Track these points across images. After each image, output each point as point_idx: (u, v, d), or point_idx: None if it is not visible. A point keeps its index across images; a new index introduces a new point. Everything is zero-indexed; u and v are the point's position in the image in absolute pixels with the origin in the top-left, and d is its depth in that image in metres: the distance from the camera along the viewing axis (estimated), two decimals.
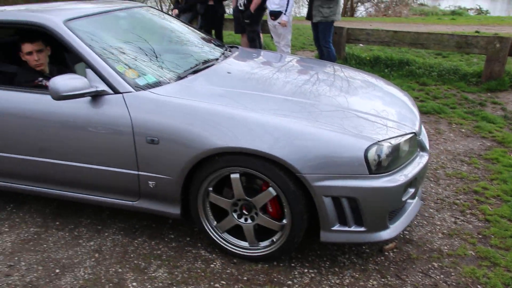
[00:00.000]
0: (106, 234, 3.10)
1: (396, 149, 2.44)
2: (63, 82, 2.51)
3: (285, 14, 6.59)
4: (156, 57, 3.13)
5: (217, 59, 3.39)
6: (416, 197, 2.74)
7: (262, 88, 2.93)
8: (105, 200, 2.95)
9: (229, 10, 11.28)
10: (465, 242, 2.92)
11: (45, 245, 3.01)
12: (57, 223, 3.26)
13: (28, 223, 3.28)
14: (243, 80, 3.09)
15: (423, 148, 2.77)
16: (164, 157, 2.59)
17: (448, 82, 6.44)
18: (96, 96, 2.66)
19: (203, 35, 4.05)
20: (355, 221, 2.45)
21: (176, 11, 9.15)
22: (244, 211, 2.66)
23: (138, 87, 2.68)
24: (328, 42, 6.63)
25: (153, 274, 2.69)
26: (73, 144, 2.80)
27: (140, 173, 2.69)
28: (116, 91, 2.65)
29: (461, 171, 3.87)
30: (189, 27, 4.12)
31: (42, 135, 2.86)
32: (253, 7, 6.85)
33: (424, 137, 2.94)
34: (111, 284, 2.63)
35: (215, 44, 3.88)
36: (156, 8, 4.35)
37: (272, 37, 7.32)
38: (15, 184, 3.17)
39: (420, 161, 2.65)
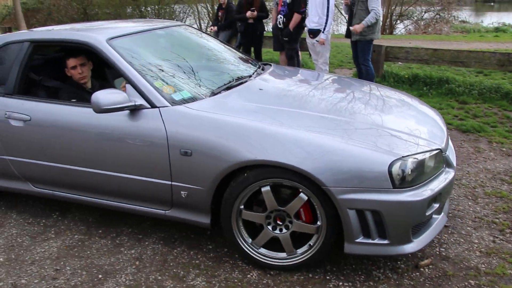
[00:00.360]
0: (147, 243, 3.22)
1: (420, 164, 2.50)
2: (104, 96, 2.69)
3: (323, 32, 6.65)
4: (192, 74, 3.28)
5: (250, 76, 3.49)
6: (442, 213, 2.78)
7: (290, 104, 3.06)
8: (139, 208, 3.09)
9: (267, 28, 11.45)
10: (503, 261, 2.87)
11: (88, 252, 3.15)
12: (100, 231, 3.41)
13: (73, 230, 3.44)
14: (275, 96, 3.21)
15: (449, 164, 2.81)
16: (196, 169, 2.70)
17: (489, 100, 6.32)
18: (134, 110, 2.82)
19: (237, 53, 4.19)
20: (378, 234, 2.50)
21: (215, 28, 9.39)
22: (279, 222, 2.73)
23: (174, 102, 2.83)
24: (366, 60, 6.64)
25: (191, 283, 2.78)
26: (112, 155, 2.95)
27: (173, 183, 2.82)
28: (153, 106, 2.81)
29: (501, 190, 3.80)
30: (225, 45, 4.27)
31: (84, 146, 3.04)
32: (292, 25, 6.96)
33: (452, 154, 2.99)
34: None
35: (249, 62, 4.00)
36: (194, 27, 4.58)
37: (310, 55, 7.40)
38: (60, 193, 3.37)
39: (445, 177, 2.68)
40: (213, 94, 3.04)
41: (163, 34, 3.76)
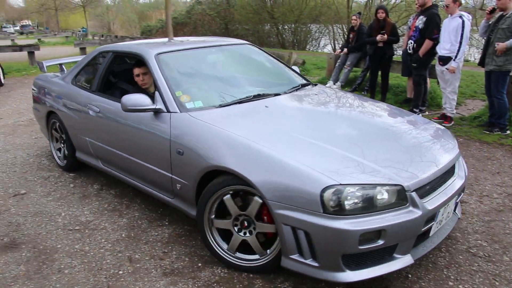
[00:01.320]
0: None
1: (367, 196, 2.46)
2: (129, 99, 3.27)
3: (454, 60, 6.42)
4: (218, 87, 3.77)
5: (276, 94, 3.74)
6: (408, 255, 2.65)
7: (278, 122, 3.19)
8: (155, 193, 3.66)
9: (396, 52, 11.27)
10: None
11: (193, 242, 3.51)
12: None
13: (184, 221, 3.83)
14: (271, 114, 3.35)
15: (415, 205, 2.58)
16: (185, 167, 3.14)
17: None
18: (157, 113, 3.36)
19: (291, 72, 4.47)
20: (311, 255, 2.55)
21: (344, 51, 9.54)
22: (245, 226, 2.94)
23: (183, 110, 3.29)
24: (500, 93, 6.21)
25: (279, 285, 2.94)
26: (138, 145, 3.60)
27: (172, 176, 3.30)
28: (168, 110, 3.32)
29: None
30: (282, 63, 4.61)
31: (123, 135, 3.81)
32: (422, 51, 6.83)
33: (438, 199, 2.75)
34: (241, 285, 2.95)
35: (293, 81, 4.22)
36: (257, 47, 4.79)
37: (438, 83, 7.18)
38: (115, 172, 4.18)
39: (403, 216, 2.52)
40: (220, 106, 3.38)
41: (214, 51, 4.23)
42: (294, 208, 2.51)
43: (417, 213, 2.55)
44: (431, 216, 2.66)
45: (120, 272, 3.12)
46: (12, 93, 10.94)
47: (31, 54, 16.13)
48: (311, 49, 26.35)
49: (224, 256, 3.08)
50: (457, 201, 3.01)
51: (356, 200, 2.45)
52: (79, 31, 44.83)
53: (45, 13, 65.57)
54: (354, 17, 9.53)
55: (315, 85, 4.26)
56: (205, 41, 4.42)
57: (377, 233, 2.45)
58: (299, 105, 3.70)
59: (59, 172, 5.10)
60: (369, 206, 2.47)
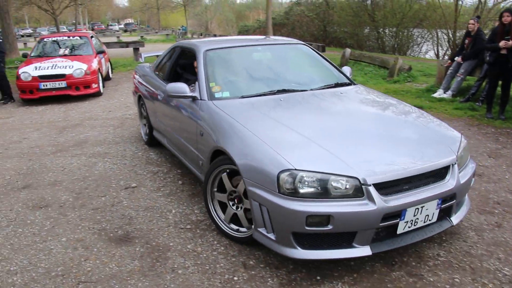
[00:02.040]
0: (366, 259, 3.19)
1: (321, 182, 2.67)
2: (172, 86, 3.84)
3: None
4: (249, 81, 4.16)
5: (303, 90, 4.02)
6: (367, 246, 2.79)
7: (281, 115, 3.43)
8: (193, 170, 4.15)
9: None
10: None
11: None
12: None
13: None
14: (281, 107, 3.61)
15: (371, 199, 2.70)
16: (204, 146, 3.65)
17: None
18: (194, 99, 3.88)
19: (335, 71, 4.60)
20: (272, 229, 2.84)
21: (459, 59, 8.87)
22: (238, 202, 3.30)
23: (212, 98, 3.77)
24: None
25: None
26: (182, 126, 4.22)
27: (198, 153, 3.85)
28: (201, 98, 3.83)
29: None
30: (329, 62, 4.73)
31: (172, 116, 4.58)
32: None
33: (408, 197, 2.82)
34: None
35: (333, 79, 4.41)
36: (309, 46, 4.98)
37: None
38: (172, 149, 4.90)
39: (353, 206, 2.66)
40: (243, 97, 3.79)
41: (260, 49, 4.63)
42: (260, 186, 2.82)
43: (372, 206, 2.67)
44: (394, 213, 2.74)
45: (235, 278, 2.98)
46: (119, 87, 11.46)
47: (136, 50, 16.93)
48: (411, 54, 25.14)
49: (220, 225, 3.46)
50: (441, 207, 2.98)
51: (309, 185, 2.67)
52: (179, 30, 46.63)
53: (148, 12, 69.20)
54: (471, 21, 8.81)
55: (355, 84, 4.44)
56: (260, 40, 4.99)
57: (326, 218, 2.64)
58: (313, 100, 3.86)
59: (167, 168, 5.14)
60: (323, 192, 2.66)
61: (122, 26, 71.68)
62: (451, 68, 9.16)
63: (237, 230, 3.36)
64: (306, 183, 2.68)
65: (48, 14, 30.47)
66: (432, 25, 22.48)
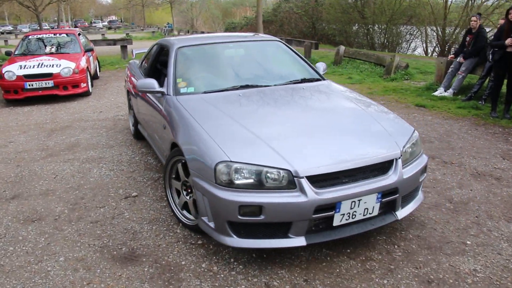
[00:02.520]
0: (400, 276, 2.90)
1: (254, 174, 2.76)
2: (142, 82, 3.99)
3: None
4: (215, 77, 4.26)
5: (266, 86, 4.09)
6: (295, 237, 2.84)
7: (234, 110, 3.54)
8: (163, 161, 4.18)
9: None
10: None
11: (337, 270, 2.98)
12: (348, 250, 3.21)
13: (322, 245, 3.29)
14: (238, 102, 3.73)
15: (303, 191, 2.76)
16: (166, 138, 3.81)
17: None
18: (163, 94, 4.00)
19: (306, 67, 4.62)
20: (212, 218, 2.93)
21: (461, 59, 8.66)
22: (189, 190, 3.40)
23: (176, 94, 3.89)
24: None
25: None
26: (153, 120, 4.41)
27: (162, 145, 4.03)
28: (167, 93, 3.95)
29: None
30: (300, 58, 4.75)
31: (149, 111, 4.63)
32: None
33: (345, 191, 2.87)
34: None
35: (299, 76, 4.43)
36: (284, 43, 5.03)
37: None
38: (150, 142, 5.09)
39: (285, 197, 2.73)
40: (205, 92, 3.90)
41: (231, 46, 4.73)
42: (201, 177, 2.92)
43: (303, 198, 2.72)
44: (327, 206, 2.78)
45: None
46: (108, 86, 11.03)
47: (123, 48, 16.44)
48: (400, 51, 25.01)
49: (175, 210, 3.61)
50: (381, 201, 2.99)
51: (244, 177, 2.76)
52: (165, 27, 46.04)
53: (132, 9, 68.29)
54: (473, 18, 8.60)
55: (324, 80, 4.47)
56: (234, 37, 5.16)
57: (258, 208, 2.70)
58: (271, 95, 3.91)
59: None
60: (258, 184, 2.75)
61: (105, 23, 70.69)
62: (452, 66, 8.94)
63: (188, 218, 3.48)
64: (242, 174, 2.77)
65: (29, 11, 29.66)
66: (421, 22, 22.38)
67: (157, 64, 5.20)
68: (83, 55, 10.11)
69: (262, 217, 2.74)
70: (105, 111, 8.13)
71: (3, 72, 8.88)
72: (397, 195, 3.07)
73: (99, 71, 12.88)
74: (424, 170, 3.37)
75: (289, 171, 2.76)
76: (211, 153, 2.90)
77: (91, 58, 10.96)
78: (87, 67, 9.87)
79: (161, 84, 4.15)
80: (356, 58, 13.44)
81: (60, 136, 6.48)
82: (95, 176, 4.79)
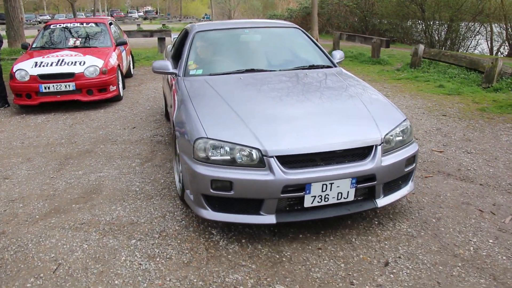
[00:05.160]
0: None
1: (227, 151, 2.89)
2: (156, 64, 4.22)
3: None
4: (225, 61, 4.42)
5: (272, 70, 4.24)
6: (272, 215, 2.91)
7: (229, 92, 3.64)
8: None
9: None
10: None
11: None
12: None
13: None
14: (236, 84, 3.88)
15: (271, 170, 2.83)
16: (170, 116, 4.16)
17: None
18: (176, 76, 4.26)
19: (320, 55, 4.65)
20: (191, 191, 3.10)
21: None
22: None
23: (186, 75, 4.14)
24: None
25: None
26: (171, 99, 4.43)
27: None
28: (178, 75, 4.22)
29: None
30: (317, 46, 4.77)
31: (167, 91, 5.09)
32: None
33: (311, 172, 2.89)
34: None
35: (309, 62, 4.50)
36: (302, 30, 4.97)
37: None
38: None
39: (253, 175, 2.83)
40: (210, 74, 4.12)
41: (249, 32, 4.81)
42: (185, 152, 3.13)
43: (271, 177, 2.81)
44: (296, 186, 2.83)
45: None
46: (143, 88, 9.06)
47: (161, 40, 14.45)
48: (461, 50, 22.39)
49: (176, 183, 3.75)
50: (356, 186, 2.97)
51: (219, 153, 2.90)
52: (203, 18, 44.35)
53: None
54: None
55: (336, 67, 4.49)
56: (254, 23, 5.20)
57: (229, 183, 2.83)
58: (270, 79, 4.04)
59: (261, 271, 2.72)
60: (231, 161, 2.88)
61: (141, 13, 69.54)
62: None
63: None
64: (217, 150, 2.89)
65: (66, 0, 28.27)
66: (486, 17, 19.79)
67: (181, 47, 4.96)
68: (114, 50, 8.15)
69: (232, 192, 2.85)
70: (139, 127, 6.12)
71: (14, 71, 6.99)
72: (375, 182, 3.03)
73: (133, 68, 10.95)
74: (412, 160, 3.28)
75: (260, 150, 2.84)
76: (193, 129, 3.06)
77: (123, 53, 9.00)
78: (118, 65, 7.90)
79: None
80: (439, 60, 11.06)
81: (75, 171, 4.49)
82: (126, 273, 2.74)
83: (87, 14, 49.40)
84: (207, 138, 2.93)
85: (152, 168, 4.53)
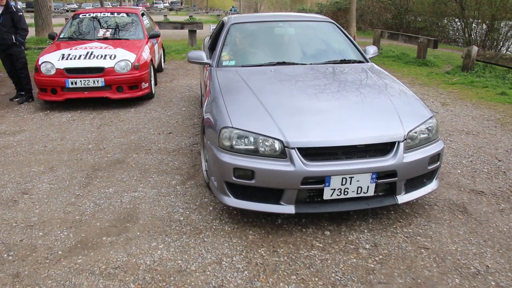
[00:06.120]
0: None
1: (251, 140, 2.95)
2: (193, 53, 4.37)
3: None
4: (258, 53, 4.47)
5: (303, 64, 4.26)
6: (291, 206, 2.95)
7: (258, 84, 3.68)
8: None
9: None
10: None
11: None
12: None
13: None
14: (266, 76, 3.92)
15: (292, 161, 2.86)
16: (202, 104, 4.15)
17: None
18: (210, 66, 4.31)
19: (352, 49, 4.63)
20: (215, 178, 3.15)
21: None
22: None
23: (219, 66, 4.21)
24: None
25: None
26: (206, 84, 4.37)
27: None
28: (211, 65, 4.29)
29: None
30: (350, 40, 4.73)
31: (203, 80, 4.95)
32: None
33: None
34: None
35: (342, 57, 4.49)
36: (336, 24, 4.95)
37: None
38: None
39: (274, 165, 2.87)
40: (242, 66, 4.17)
41: (283, 25, 4.83)
42: (211, 140, 3.20)
43: (291, 168, 2.85)
44: (316, 178, 2.86)
45: None
46: (175, 85, 8.34)
47: (192, 33, 13.72)
48: (502, 50, 21.15)
49: (203, 169, 3.81)
50: (376, 181, 2.96)
51: (243, 142, 2.96)
52: (230, 10, 43.61)
53: None
54: None
55: (368, 62, 4.45)
56: (289, 16, 5.36)
57: (251, 172, 2.88)
58: (300, 72, 4.05)
59: None
60: (254, 150, 2.94)
61: (167, 4, 69.09)
62: None
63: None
64: (241, 140, 2.96)
65: None
66: None
67: (217, 39, 4.91)
68: (147, 43, 7.45)
69: (253, 181, 2.89)
70: (175, 132, 5.40)
71: (40, 63, 6.34)
72: (396, 178, 3.01)
73: (164, 62, 10.24)
74: (436, 158, 3.22)
75: (282, 141, 2.89)
76: (220, 119, 3.12)
77: (155, 46, 8.30)
78: (151, 60, 7.19)
79: None
80: (496, 64, 10.09)
81: (104, 188, 3.80)
82: None
83: (114, 4, 49.03)
84: (232, 127, 3.00)
85: (196, 189, 3.80)
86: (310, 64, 4.26)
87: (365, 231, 3.18)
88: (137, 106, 6.71)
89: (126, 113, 6.33)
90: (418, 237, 3.12)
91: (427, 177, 3.32)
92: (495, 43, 21.42)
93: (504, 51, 21.34)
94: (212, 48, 5.09)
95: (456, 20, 22.83)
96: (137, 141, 5.08)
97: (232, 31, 4.61)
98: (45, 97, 6.42)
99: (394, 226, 3.26)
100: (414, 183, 3.22)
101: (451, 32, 23.92)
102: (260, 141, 2.92)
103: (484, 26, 21.31)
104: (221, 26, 5.12)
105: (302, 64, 4.25)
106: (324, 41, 4.82)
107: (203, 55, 4.31)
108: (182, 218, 3.29)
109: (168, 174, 4.11)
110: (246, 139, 2.95)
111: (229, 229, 3.14)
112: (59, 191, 3.76)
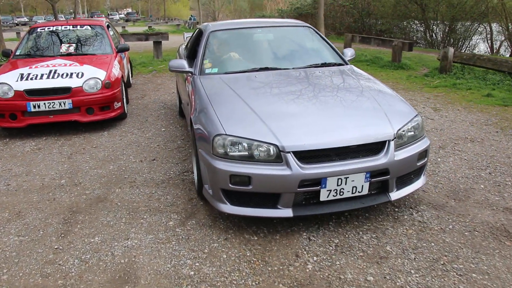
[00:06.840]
0: None
1: (245, 147, 2.94)
2: (172, 63, 4.35)
3: None
4: (240, 59, 4.45)
5: (285, 69, 4.28)
6: (286, 208, 2.97)
7: (244, 90, 3.69)
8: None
9: None
10: None
11: None
12: None
13: None
14: (250, 81, 3.95)
15: (288, 165, 2.88)
16: (188, 114, 4.17)
17: None
18: (191, 74, 4.31)
19: (330, 52, 4.75)
20: (210, 186, 3.14)
21: None
22: None
23: (201, 73, 4.20)
24: None
25: None
26: (184, 97, 4.73)
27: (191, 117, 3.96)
28: (194, 73, 4.27)
29: None
30: (327, 43, 4.87)
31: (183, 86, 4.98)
32: None
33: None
34: None
35: (323, 61, 4.57)
36: (313, 29, 5.06)
37: None
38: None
39: (270, 170, 2.87)
40: (226, 73, 4.16)
41: (260, 31, 4.86)
42: (203, 148, 3.18)
43: (288, 171, 2.87)
44: (312, 181, 2.89)
45: None
46: (148, 101, 7.67)
47: (157, 44, 13.03)
48: (460, 49, 21.54)
49: (195, 179, 3.66)
50: (370, 180, 3.02)
51: (237, 149, 2.96)
52: (190, 19, 42.93)
53: (150, 1, 64.92)
54: None
55: (347, 65, 4.56)
56: (266, 22, 5.25)
57: (247, 178, 2.88)
58: (284, 77, 4.06)
59: None
60: (249, 156, 2.94)
61: (122, 15, 67.66)
62: None
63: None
64: (235, 147, 2.95)
65: (45, 1, 26.56)
66: (484, 17, 18.99)
67: (196, 46, 4.93)
68: (115, 58, 6.76)
69: (250, 187, 2.90)
70: (160, 158, 4.77)
71: None
72: (388, 176, 3.08)
73: (132, 77, 9.53)
74: (424, 154, 3.34)
75: (277, 146, 2.89)
76: (212, 127, 3.11)
77: (124, 61, 7.60)
78: (122, 76, 6.50)
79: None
80: (474, 65, 9.92)
81: (88, 236, 3.16)
82: None
83: (66, 17, 47.41)
84: (226, 134, 3.00)
85: (201, 230, 3.20)
86: (293, 68, 4.32)
87: (412, 271, 2.67)
88: (110, 128, 6.02)
89: (98, 137, 5.63)
90: (473, 275, 2.66)
91: (415, 173, 3.41)
92: (457, 43, 21.79)
93: (464, 50, 21.75)
94: (190, 56, 5.07)
95: (417, 22, 23.10)
96: (118, 171, 4.41)
97: (212, 38, 4.64)
98: (3, 123, 5.65)
99: (442, 263, 2.78)
100: (404, 180, 3.31)
101: (411, 33, 24.17)
102: (255, 147, 2.93)
103: (445, 27, 21.65)
104: (199, 34, 5.12)
105: (285, 69, 4.29)
106: (304, 45, 4.89)
107: (184, 64, 4.31)
108: (192, 273, 2.68)
109: (163, 213, 3.49)
110: (240, 145, 2.96)
111: (253, 283, 2.56)
112: (32, 245, 3.08)
